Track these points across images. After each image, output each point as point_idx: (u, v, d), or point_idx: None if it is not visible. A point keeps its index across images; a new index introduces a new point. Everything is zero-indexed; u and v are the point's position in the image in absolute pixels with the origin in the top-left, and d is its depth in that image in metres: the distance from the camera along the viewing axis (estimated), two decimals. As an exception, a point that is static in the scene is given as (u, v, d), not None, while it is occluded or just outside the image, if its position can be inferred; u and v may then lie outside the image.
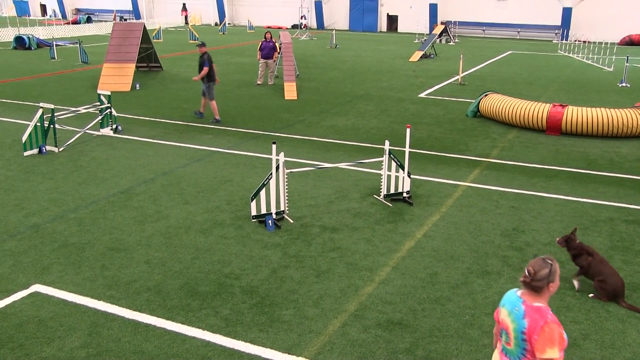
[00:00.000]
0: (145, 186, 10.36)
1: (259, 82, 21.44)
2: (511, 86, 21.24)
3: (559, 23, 45.55)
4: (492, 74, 25.03)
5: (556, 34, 45.57)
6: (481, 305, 6.51)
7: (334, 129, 14.76)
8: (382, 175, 9.69)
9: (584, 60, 31.66)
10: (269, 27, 50.04)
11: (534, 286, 3.63)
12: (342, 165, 10.20)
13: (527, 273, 3.66)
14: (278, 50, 21.44)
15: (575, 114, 14.16)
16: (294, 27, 52.38)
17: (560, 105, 14.46)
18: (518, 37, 47.02)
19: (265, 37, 21.24)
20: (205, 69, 14.84)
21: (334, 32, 40.15)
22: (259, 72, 21.41)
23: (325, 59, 29.72)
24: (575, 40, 43.22)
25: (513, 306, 3.72)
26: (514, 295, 3.77)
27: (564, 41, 43.30)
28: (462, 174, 11.17)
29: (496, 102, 15.53)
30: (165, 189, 10.23)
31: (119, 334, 5.90)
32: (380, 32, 51.55)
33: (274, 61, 21.36)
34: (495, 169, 11.53)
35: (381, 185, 9.79)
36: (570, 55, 34.16)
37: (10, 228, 8.51)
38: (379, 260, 7.56)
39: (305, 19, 52.66)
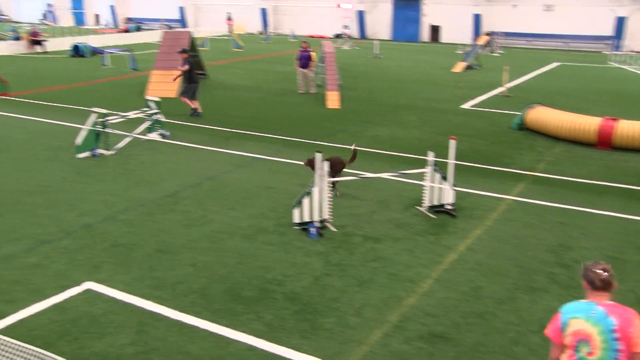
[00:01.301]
0: (191, 190, 10.51)
1: (301, 91, 21.60)
2: (559, 98, 20.88)
3: (611, 33, 44.57)
4: (538, 85, 24.69)
5: (608, 44, 44.52)
6: (527, 322, 6.40)
7: (376, 138, 14.75)
8: (424, 186, 9.65)
9: (639, 72, 30.95)
10: (311, 37, 50.28)
11: (611, 283, 3.61)
12: (385, 175, 10.19)
13: (603, 272, 3.62)
14: (314, 60, 21.56)
15: (628, 128, 13.82)
16: (337, 36, 52.52)
17: (612, 118, 14.15)
18: (566, 48, 46.16)
19: (302, 47, 21.42)
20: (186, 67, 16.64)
21: (376, 41, 40.15)
22: (299, 81, 21.63)
23: (367, 69, 29.75)
24: (630, 51, 42.10)
25: (587, 311, 3.62)
26: (581, 303, 3.68)
27: (616, 52, 42.24)
28: (506, 187, 11.03)
29: (543, 115, 15.29)
30: (210, 194, 10.37)
31: (166, 334, 6.01)
32: (423, 42, 51.37)
33: (311, 70, 21.51)
34: (541, 183, 11.35)
35: (423, 197, 9.75)
36: (623, 67, 33.45)
37: (66, 227, 8.75)
38: (421, 272, 7.52)
39: (347, 28, 52.80)
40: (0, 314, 6.33)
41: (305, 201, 8.69)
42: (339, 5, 52.88)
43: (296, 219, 8.82)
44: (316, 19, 55.55)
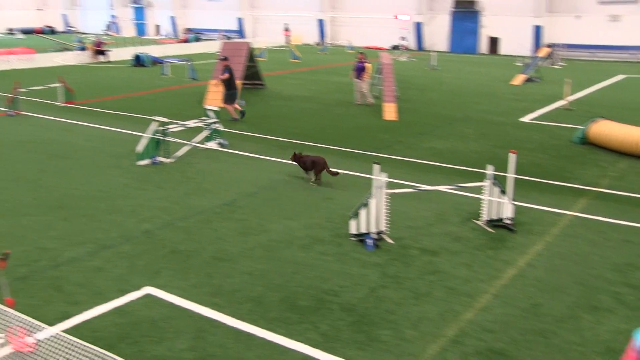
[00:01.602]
0: (248, 199, 10.66)
1: (357, 102, 21.67)
2: (624, 112, 20.27)
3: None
4: (602, 99, 24.04)
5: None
6: (591, 343, 6.22)
7: (434, 151, 14.64)
8: (483, 200, 9.52)
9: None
10: (368, 48, 50.35)
11: None
12: (442, 188, 10.11)
13: None
14: (367, 71, 21.58)
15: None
16: (394, 48, 52.43)
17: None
18: (632, 60, 44.68)
19: (358, 58, 21.54)
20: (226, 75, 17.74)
21: (433, 53, 39.91)
22: (355, 92, 21.76)
23: (424, 81, 29.58)
24: None
25: None
26: None
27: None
28: (567, 202, 10.78)
29: (607, 129, 14.89)
30: (267, 203, 10.48)
31: (223, 340, 6.09)
32: (481, 54, 50.76)
33: (364, 81, 21.54)
34: (604, 199, 11.04)
35: (482, 210, 9.61)
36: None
37: (126, 232, 9.00)
38: (479, 287, 7.41)
39: (405, 40, 52.66)
40: (66, 314, 6.55)
41: (362, 212, 8.69)
42: (396, 17, 52.82)
43: (353, 230, 8.83)
44: (373, 30, 55.65)
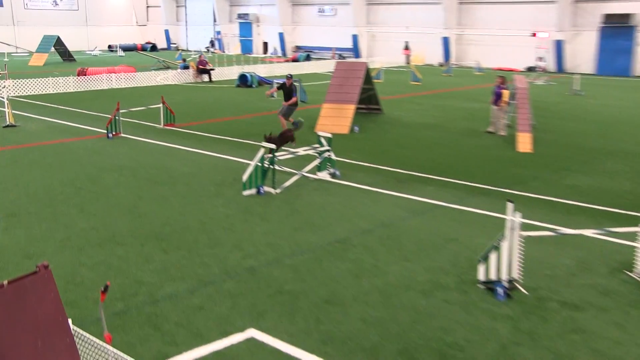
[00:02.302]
0: (363, 237, 10.79)
1: (489, 130, 21.48)
2: None
3: None
4: None
5: None
6: None
7: (577, 189, 14.23)
8: (637, 248, 9.14)
9: None
10: (499, 69, 49.76)
11: None
12: (587, 232, 9.79)
13: None
14: (503, 98, 21.31)
15: None
16: (529, 69, 51.50)
17: None
18: None
19: (496, 81, 21.59)
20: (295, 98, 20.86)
21: (576, 76, 38.84)
22: (491, 118, 21.68)
23: (565, 107, 28.84)
24: None
25: None
26: None
27: None
28: None
29: None
30: (384, 242, 10.57)
31: (333, 394, 6.18)
32: (636, 76, 48.82)
33: (501, 108, 21.29)
34: None
35: (636, 260, 9.23)
36: None
37: (229, 268, 9.35)
38: (634, 352, 7.11)
39: (542, 60, 51.60)
40: (164, 355, 6.88)
41: (493, 256, 8.59)
42: (534, 34, 51.85)
43: (481, 276, 8.74)
44: (505, 49, 54.82)
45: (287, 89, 20.90)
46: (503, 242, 8.55)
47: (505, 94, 21.40)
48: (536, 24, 52.20)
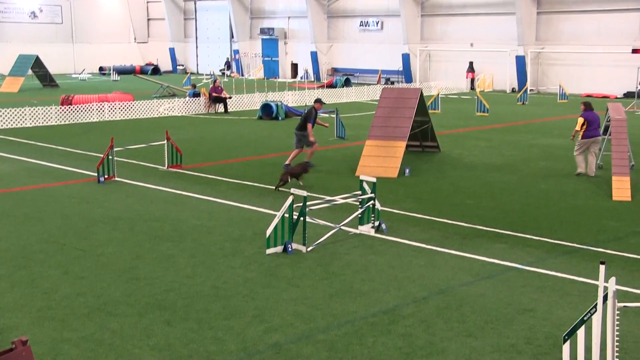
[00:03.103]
0: (415, 307, 10.83)
1: (579, 172, 21.35)
2: None
3: None
4: None
5: None
6: None
7: (689, 248, 14.14)
8: None
9: None
10: (588, 96, 49.47)
11: None
12: (703, 303, 9.73)
13: None
14: (576, 126, 21.33)
15: None
16: (628, 95, 51.21)
17: None
18: None
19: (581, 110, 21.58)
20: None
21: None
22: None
23: (675, 144, 28.62)
24: None
25: None
26: None
27: None
28: None
29: None
30: (442, 313, 10.60)
31: None
32: None
33: (576, 142, 21.36)
34: None
35: None
36: None
37: (249, 345, 9.44)
38: None
39: (645, 85, 51.32)
40: None
41: (580, 333, 8.56)
42: (637, 51, 51.38)
43: (566, 357, 8.70)
44: (598, 71, 54.32)
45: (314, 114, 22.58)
46: (594, 314, 8.53)
47: (580, 121, 21.25)
48: (635, 37, 51.75)
